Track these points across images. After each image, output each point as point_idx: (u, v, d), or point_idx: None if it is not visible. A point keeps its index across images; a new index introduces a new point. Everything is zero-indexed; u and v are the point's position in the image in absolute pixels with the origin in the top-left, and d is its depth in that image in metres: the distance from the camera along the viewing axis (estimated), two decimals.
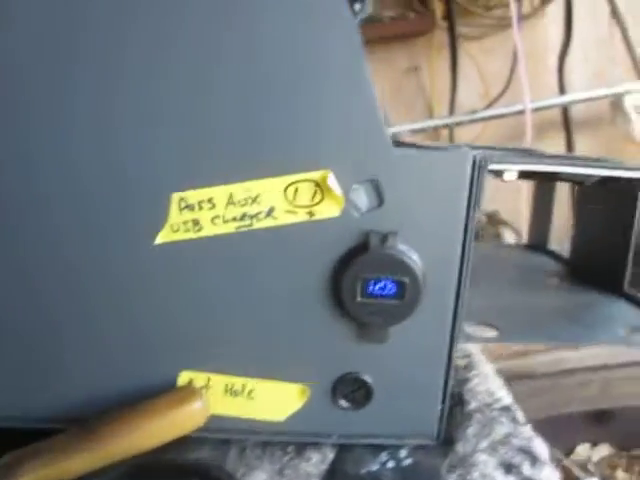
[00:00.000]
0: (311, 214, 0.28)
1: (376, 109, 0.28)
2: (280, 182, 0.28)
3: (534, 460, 0.30)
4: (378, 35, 1.30)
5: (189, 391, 0.30)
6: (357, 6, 0.27)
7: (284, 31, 0.27)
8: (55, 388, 0.31)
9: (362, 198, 0.29)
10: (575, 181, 0.37)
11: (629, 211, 0.39)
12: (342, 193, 0.28)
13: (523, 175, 0.30)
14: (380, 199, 0.29)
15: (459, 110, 1.54)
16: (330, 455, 0.32)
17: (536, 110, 1.36)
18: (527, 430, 0.33)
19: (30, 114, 0.27)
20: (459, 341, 0.31)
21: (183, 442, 0.30)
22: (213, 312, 0.30)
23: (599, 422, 1.36)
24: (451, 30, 1.51)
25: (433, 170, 0.28)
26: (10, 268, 0.29)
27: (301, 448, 0.32)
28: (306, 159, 0.28)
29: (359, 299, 0.29)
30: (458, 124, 1.48)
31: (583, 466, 1.30)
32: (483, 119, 1.43)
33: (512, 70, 1.43)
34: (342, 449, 0.32)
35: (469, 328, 0.32)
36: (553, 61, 1.54)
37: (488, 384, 0.37)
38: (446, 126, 1.49)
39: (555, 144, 1.58)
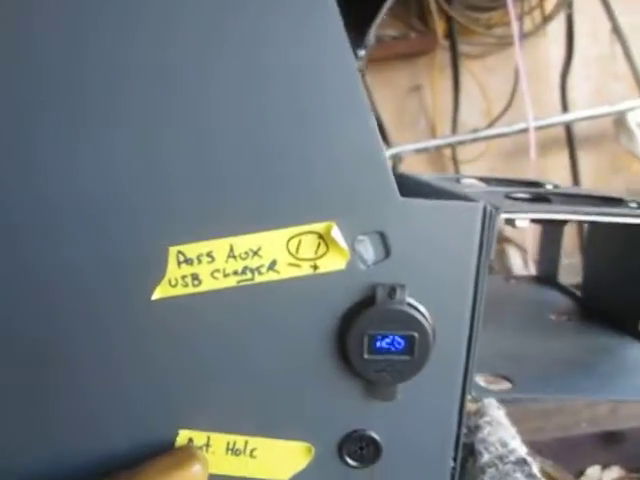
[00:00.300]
0: (315, 267, 0.27)
1: (382, 157, 0.27)
2: (283, 234, 0.27)
3: None
4: (380, 55, 1.30)
5: (188, 454, 0.28)
6: (361, 52, 0.26)
7: (282, 71, 0.26)
8: (45, 452, 0.29)
9: (368, 250, 0.27)
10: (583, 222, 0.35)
11: None
12: (347, 245, 0.27)
13: (535, 221, 0.29)
14: (387, 251, 0.27)
15: (462, 129, 1.54)
16: None
17: (539, 128, 1.36)
18: None
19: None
20: (471, 395, 0.29)
21: None
22: (212, 369, 0.28)
23: (609, 443, 1.34)
24: (453, 49, 1.51)
25: (442, 221, 0.27)
26: None
27: None
28: (309, 210, 0.27)
29: (366, 356, 0.27)
30: (461, 143, 1.48)
31: None
32: (486, 138, 1.43)
33: (514, 88, 1.43)
34: None
35: (481, 380, 0.31)
36: (555, 79, 1.54)
37: (500, 433, 0.36)
38: (449, 145, 1.49)
39: (559, 161, 1.57)
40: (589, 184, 1.52)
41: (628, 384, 0.31)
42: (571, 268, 0.59)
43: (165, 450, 0.29)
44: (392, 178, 0.27)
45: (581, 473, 1.28)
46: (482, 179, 0.51)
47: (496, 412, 0.39)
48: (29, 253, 0.27)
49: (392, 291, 0.27)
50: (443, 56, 1.53)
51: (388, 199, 0.27)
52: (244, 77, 0.26)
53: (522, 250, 1.52)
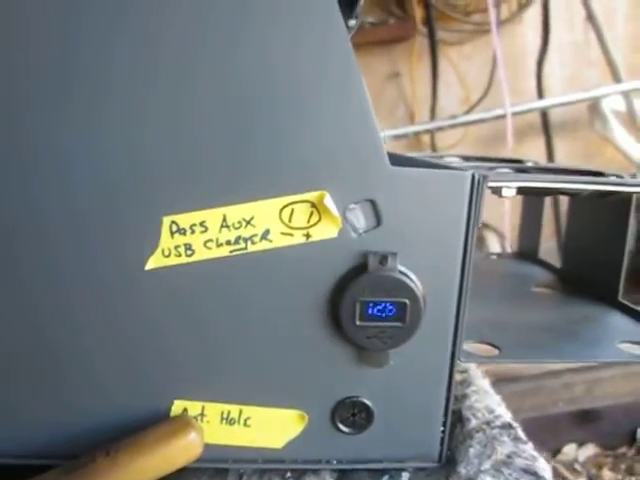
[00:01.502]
0: (308, 236, 0.28)
1: (373, 127, 0.27)
2: (275, 204, 0.27)
3: None
4: (359, 41, 1.30)
5: (183, 422, 0.28)
6: (352, 22, 0.26)
7: (279, 48, 0.26)
8: (45, 421, 0.29)
9: (360, 218, 0.28)
10: (570, 193, 0.36)
11: (622, 220, 0.39)
12: (339, 214, 0.27)
13: (521, 191, 0.30)
14: (378, 219, 0.28)
15: (440, 115, 1.55)
16: None
17: (516, 114, 1.38)
18: (529, 449, 0.32)
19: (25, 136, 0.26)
20: (460, 360, 0.30)
21: (181, 471, 0.29)
22: (206, 338, 0.29)
23: (584, 422, 1.37)
24: (431, 36, 1.52)
25: (432, 189, 0.28)
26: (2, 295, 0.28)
27: (300, 474, 0.32)
28: (301, 179, 0.27)
29: (358, 322, 0.28)
30: (439, 129, 1.49)
31: (570, 466, 1.31)
32: (464, 124, 1.44)
33: (492, 75, 1.45)
34: (342, 474, 0.31)
35: (468, 346, 0.32)
36: (531, 65, 1.55)
37: (487, 400, 0.37)
38: (427, 131, 1.50)
39: (535, 146, 1.60)
40: None
41: (608, 349, 0.33)
42: (548, 252, 0.61)
43: (161, 420, 0.29)
44: (383, 148, 0.27)
45: (558, 451, 1.32)
46: (464, 157, 0.52)
47: (481, 381, 0.40)
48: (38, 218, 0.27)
49: (383, 259, 0.28)
50: (421, 43, 1.53)
51: (379, 168, 0.27)
52: (233, 49, 0.26)
53: (500, 236, 1.54)
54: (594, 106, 1.39)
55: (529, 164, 0.47)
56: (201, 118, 0.26)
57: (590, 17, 1.47)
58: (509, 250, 1.48)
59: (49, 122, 0.26)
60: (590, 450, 1.39)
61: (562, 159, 1.63)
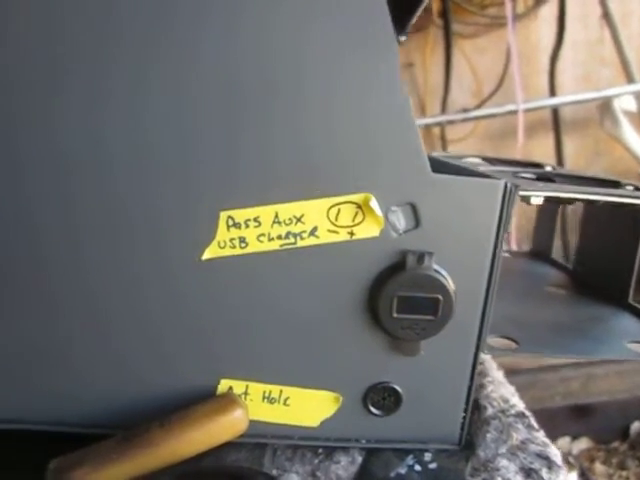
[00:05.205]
0: (352, 234, 0.30)
1: (416, 135, 0.29)
2: (324, 203, 0.30)
3: (551, 465, 0.32)
4: None
5: (230, 400, 0.31)
6: (402, 38, 0.28)
7: (331, 58, 0.28)
8: (102, 393, 0.32)
9: (400, 219, 0.30)
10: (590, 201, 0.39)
11: (636, 227, 0.42)
12: (382, 214, 0.30)
13: (547, 199, 0.32)
14: (417, 221, 0.30)
15: (451, 107, 1.56)
16: (359, 458, 0.34)
17: (527, 110, 1.39)
18: (541, 436, 0.35)
19: (70, 139, 0.28)
20: (484, 352, 0.33)
21: (224, 445, 0.31)
22: (254, 324, 0.31)
23: (579, 416, 1.40)
24: (446, 28, 1.52)
25: (468, 196, 0.30)
26: (66, 283, 0.30)
27: (330, 451, 0.34)
28: (348, 182, 0.29)
29: (395, 315, 0.30)
30: (450, 122, 1.50)
31: (563, 459, 1.35)
32: (476, 118, 1.46)
33: (505, 69, 1.46)
34: (370, 452, 0.34)
35: (490, 340, 0.34)
36: (544, 61, 1.56)
37: (502, 390, 0.40)
38: (438, 124, 1.51)
39: (544, 144, 1.61)
40: (572, 166, 1.56)
41: (618, 347, 0.35)
42: (555, 249, 0.63)
43: (207, 397, 0.32)
44: (425, 156, 0.29)
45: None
46: (486, 159, 0.54)
47: (496, 373, 0.42)
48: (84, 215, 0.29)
49: (421, 258, 0.30)
50: (436, 34, 1.54)
51: (421, 174, 0.30)
52: (293, 63, 0.28)
53: (507, 234, 1.56)
54: (605, 105, 1.40)
55: (548, 168, 0.50)
56: (259, 124, 0.29)
57: (606, 15, 1.47)
58: (514, 248, 1.50)
59: (91, 118, 0.28)
60: (583, 444, 1.42)
61: (570, 155, 1.65)
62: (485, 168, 0.42)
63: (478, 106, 1.52)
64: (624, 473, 1.38)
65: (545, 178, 0.41)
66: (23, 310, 0.30)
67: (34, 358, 0.31)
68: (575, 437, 1.43)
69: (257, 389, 0.32)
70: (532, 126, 1.56)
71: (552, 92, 1.56)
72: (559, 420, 1.38)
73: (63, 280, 0.30)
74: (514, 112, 1.37)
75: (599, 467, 1.40)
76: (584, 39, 1.58)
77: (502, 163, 0.51)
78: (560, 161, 1.65)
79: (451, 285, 0.31)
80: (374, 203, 0.29)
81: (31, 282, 0.30)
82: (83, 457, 0.29)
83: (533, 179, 0.41)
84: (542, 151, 1.66)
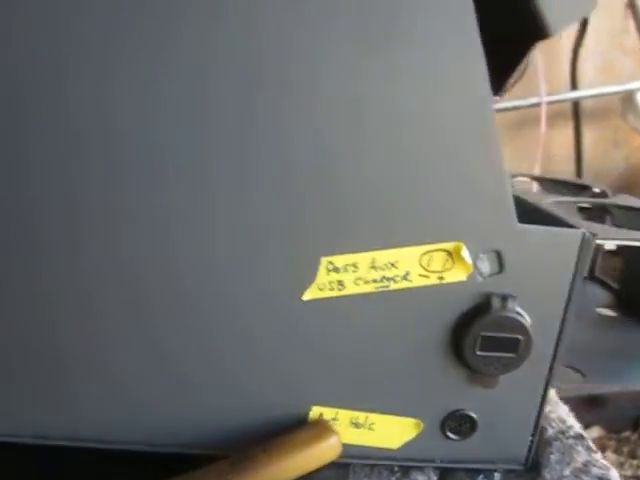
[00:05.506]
0: (441, 278, 0.33)
1: (506, 187, 0.32)
2: (418, 251, 0.32)
3: None
4: None
5: (326, 427, 0.34)
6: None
7: (423, 106, 0.30)
8: (201, 418, 0.35)
9: (486, 265, 0.33)
10: None
11: None
12: (471, 262, 0.32)
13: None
14: (501, 266, 0.33)
15: None
16: (434, 477, 0.37)
17: (550, 103, 1.40)
18: (600, 458, 0.38)
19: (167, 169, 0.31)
20: (554, 386, 0.35)
21: None
22: (346, 357, 0.34)
23: (592, 406, 1.44)
24: None
25: (549, 244, 0.32)
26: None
27: (407, 470, 0.37)
28: (440, 231, 0.32)
29: (478, 352, 0.33)
30: None
31: None
32: (498, 111, 1.47)
33: (527, 59, 1.46)
34: (444, 472, 0.37)
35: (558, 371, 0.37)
36: (566, 49, 1.56)
37: (558, 411, 0.42)
38: None
39: (564, 134, 1.62)
40: (590, 156, 1.57)
41: None
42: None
43: (299, 423, 0.35)
44: (513, 208, 0.32)
45: None
46: (535, 179, 0.56)
47: (550, 392, 0.45)
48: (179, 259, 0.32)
49: (505, 300, 0.33)
50: None
51: (508, 225, 0.32)
52: (385, 112, 0.30)
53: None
54: (628, 98, 1.40)
55: (596, 190, 0.52)
56: (361, 177, 0.31)
57: (632, 5, 1.46)
58: None
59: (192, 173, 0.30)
60: (595, 432, 1.45)
61: (588, 145, 1.65)
62: (542, 197, 0.44)
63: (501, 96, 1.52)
64: (635, 462, 1.41)
65: (601, 209, 0.44)
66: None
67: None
68: (587, 426, 1.46)
69: (345, 415, 0.35)
70: (552, 115, 1.57)
71: (573, 81, 1.56)
72: (572, 409, 1.41)
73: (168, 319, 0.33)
74: (536, 104, 1.38)
75: (610, 456, 1.43)
76: (607, 27, 1.58)
77: (553, 185, 0.53)
78: (579, 151, 1.66)
79: (530, 325, 0.33)
80: (465, 252, 0.32)
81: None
82: None
83: (588, 208, 0.43)
84: (561, 141, 1.67)
